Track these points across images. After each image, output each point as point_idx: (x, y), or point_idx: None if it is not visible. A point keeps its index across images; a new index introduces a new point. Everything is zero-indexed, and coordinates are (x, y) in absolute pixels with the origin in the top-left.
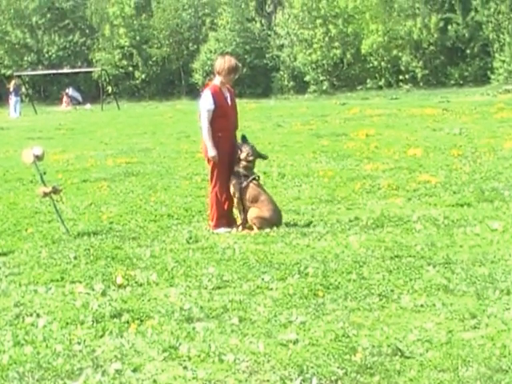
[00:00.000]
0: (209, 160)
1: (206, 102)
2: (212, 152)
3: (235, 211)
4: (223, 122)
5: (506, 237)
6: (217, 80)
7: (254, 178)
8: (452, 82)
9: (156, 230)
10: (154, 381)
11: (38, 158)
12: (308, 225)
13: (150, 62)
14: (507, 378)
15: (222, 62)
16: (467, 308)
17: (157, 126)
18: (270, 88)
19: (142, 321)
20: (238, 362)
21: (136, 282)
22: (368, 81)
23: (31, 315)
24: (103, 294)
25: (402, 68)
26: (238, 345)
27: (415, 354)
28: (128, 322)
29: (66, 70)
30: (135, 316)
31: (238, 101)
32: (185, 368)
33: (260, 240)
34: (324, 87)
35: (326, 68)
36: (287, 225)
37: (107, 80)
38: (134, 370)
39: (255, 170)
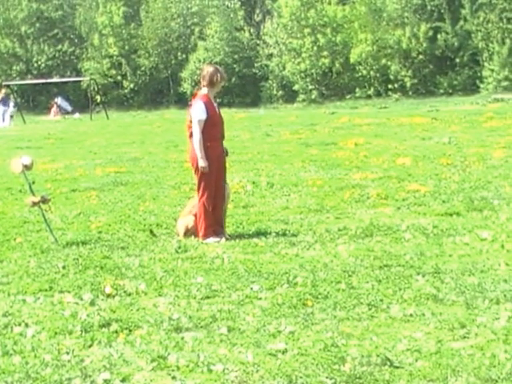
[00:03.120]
0: (196, 170)
1: (199, 111)
2: (203, 162)
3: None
4: (213, 132)
5: (496, 246)
6: (205, 90)
7: None
8: (441, 90)
9: (145, 239)
10: None
11: (27, 167)
12: (297, 234)
13: (139, 72)
14: None
15: (211, 72)
16: (456, 317)
17: (145, 136)
18: (258, 97)
19: (130, 330)
20: (226, 372)
21: (125, 292)
22: (357, 90)
23: (20, 325)
24: (92, 303)
25: (391, 77)
26: (226, 355)
27: (404, 363)
28: (117, 332)
29: (54, 80)
30: (124, 326)
31: (227, 110)
32: (173, 378)
33: (249, 250)
34: (313, 96)
35: (315, 77)
36: (276, 234)
37: (96, 89)
38: (123, 380)
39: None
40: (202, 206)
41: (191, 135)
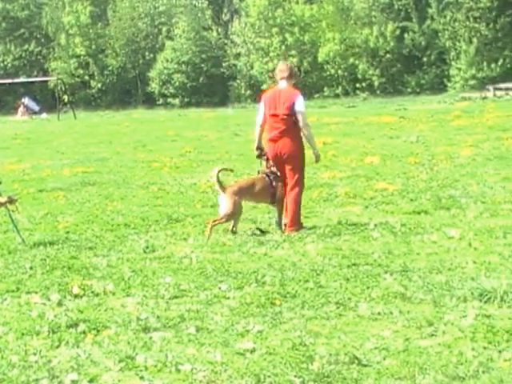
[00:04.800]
0: (295, 161)
1: (304, 104)
2: (318, 151)
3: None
4: None
5: (463, 244)
6: (286, 83)
7: None
8: (409, 89)
9: (113, 239)
10: None
11: None
12: (265, 233)
13: (107, 71)
14: None
15: (291, 67)
16: (424, 316)
17: (113, 136)
18: (227, 97)
19: (98, 331)
20: (195, 372)
21: (92, 292)
22: (325, 89)
23: None
24: (59, 304)
25: (359, 76)
26: (195, 354)
27: (372, 362)
28: (84, 332)
29: (21, 80)
30: (91, 326)
31: (195, 110)
32: (141, 378)
33: (217, 249)
34: None
35: None
36: (244, 233)
37: (63, 89)
38: (91, 381)
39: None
40: (298, 197)
41: (286, 129)
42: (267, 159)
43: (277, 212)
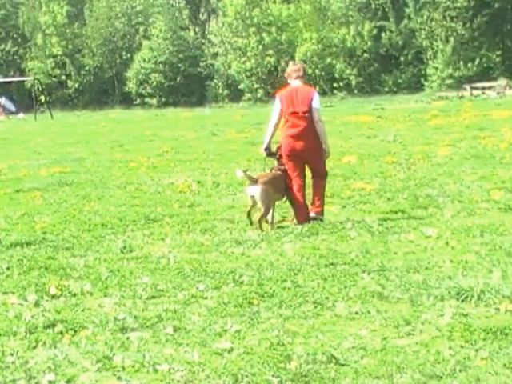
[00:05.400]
0: (318, 156)
1: (319, 101)
2: (329, 147)
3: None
4: None
5: (440, 243)
6: (299, 82)
7: None
8: (386, 89)
9: (90, 239)
10: None
11: None
12: (243, 233)
13: (83, 71)
14: None
15: (304, 67)
16: (402, 315)
17: (90, 136)
18: (204, 96)
19: (75, 331)
20: (172, 372)
21: (70, 293)
22: None
23: None
24: (36, 304)
25: (337, 76)
26: (172, 354)
27: (350, 361)
28: (62, 333)
29: None
30: (69, 326)
31: (172, 109)
32: (119, 378)
33: (194, 249)
34: (259, 95)
35: (261, 76)
36: (222, 233)
37: (40, 89)
38: (68, 381)
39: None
40: (324, 189)
41: (307, 126)
42: (279, 157)
43: (291, 206)
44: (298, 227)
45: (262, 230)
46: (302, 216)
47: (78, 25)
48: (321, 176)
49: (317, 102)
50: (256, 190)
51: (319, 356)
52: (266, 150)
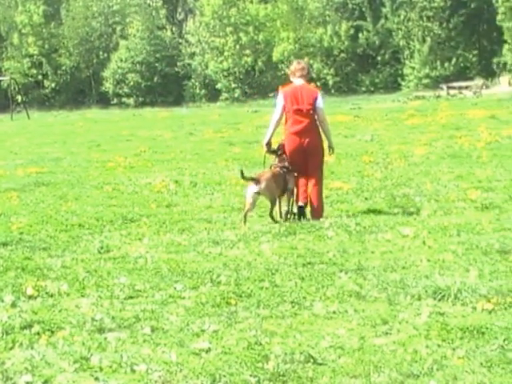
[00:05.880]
0: (320, 154)
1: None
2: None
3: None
4: None
5: (417, 243)
6: (302, 81)
7: None
8: (363, 88)
9: (67, 240)
10: None
11: None
12: (220, 233)
13: (60, 71)
14: (418, 383)
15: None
16: (379, 314)
17: (67, 136)
18: (181, 96)
19: (52, 332)
20: (150, 372)
21: (47, 293)
22: (280, 88)
23: None
24: (13, 305)
25: (314, 75)
26: (150, 355)
27: (327, 360)
28: (39, 334)
29: None
30: (46, 327)
31: (150, 109)
32: (96, 379)
33: (172, 249)
34: (236, 95)
35: (238, 76)
36: (199, 233)
37: (16, 89)
38: (45, 382)
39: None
40: (321, 187)
41: (311, 123)
42: (282, 153)
43: (286, 201)
44: (276, 227)
45: (275, 221)
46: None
47: (55, 24)
48: (318, 171)
49: (321, 101)
50: (260, 187)
51: (297, 355)
52: (267, 145)
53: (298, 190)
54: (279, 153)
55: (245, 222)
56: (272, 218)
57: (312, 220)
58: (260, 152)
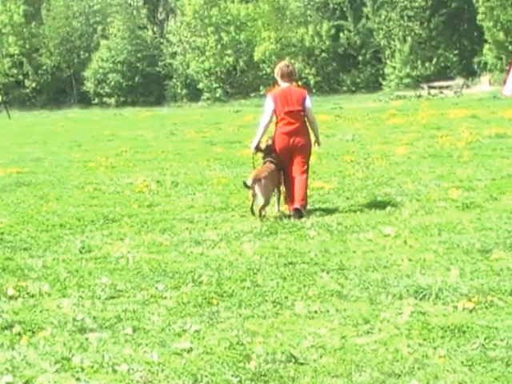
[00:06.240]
0: (309, 151)
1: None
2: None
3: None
4: None
5: (399, 242)
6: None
7: None
8: (344, 88)
9: (48, 240)
10: None
11: None
12: (202, 233)
13: (41, 71)
14: (399, 383)
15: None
16: (360, 313)
17: (48, 135)
18: (163, 96)
19: (33, 332)
20: (131, 373)
21: (28, 293)
22: (261, 88)
23: None
24: None
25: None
26: (131, 355)
27: (309, 360)
28: (20, 334)
29: None
30: (27, 328)
31: (131, 109)
32: (78, 379)
33: (154, 249)
34: (217, 94)
35: (219, 75)
36: (181, 233)
37: None
38: (26, 383)
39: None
40: (307, 181)
41: (301, 124)
42: (271, 152)
43: (276, 196)
44: (257, 226)
45: (261, 217)
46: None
47: (35, 24)
48: (306, 169)
49: (309, 101)
50: (258, 186)
51: (278, 355)
52: (255, 149)
53: (288, 191)
54: (268, 151)
55: (254, 214)
56: (260, 213)
57: (295, 207)
58: (241, 152)
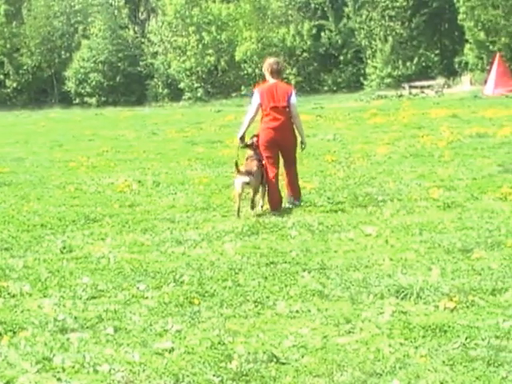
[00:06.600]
0: (294, 147)
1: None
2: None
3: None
4: None
5: (380, 241)
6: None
7: None
8: (326, 88)
9: (29, 240)
10: None
11: None
12: (183, 233)
13: (22, 71)
14: (381, 382)
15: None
16: (342, 313)
17: (29, 135)
18: (144, 96)
19: (14, 332)
20: (113, 373)
21: (9, 294)
22: (242, 88)
23: None
24: None
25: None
26: (113, 355)
27: (291, 359)
28: (0, 334)
29: None
30: (8, 328)
31: (112, 109)
32: (59, 380)
33: (135, 249)
34: (199, 94)
35: (201, 75)
36: (162, 233)
37: None
38: (7, 383)
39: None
40: (296, 174)
41: (286, 119)
42: (256, 147)
43: (261, 193)
44: (239, 226)
45: (253, 208)
46: (275, 204)
47: (16, 24)
48: (294, 164)
49: (294, 98)
50: (248, 179)
51: (260, 355)
52: (240, 139)
53: (269, 188)
54: (253, 146)
55: (238, 214)
56: (253, 203)
57: (290, 200)
58: (223, 152)
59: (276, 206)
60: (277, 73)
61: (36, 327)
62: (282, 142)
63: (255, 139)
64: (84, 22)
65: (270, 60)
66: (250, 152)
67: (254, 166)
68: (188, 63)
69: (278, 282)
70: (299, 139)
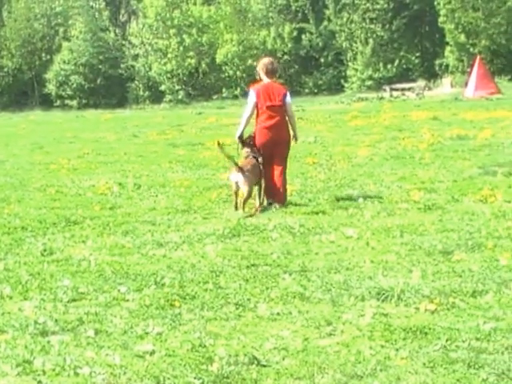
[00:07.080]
0: (287, 145)
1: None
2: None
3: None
4: None
5: (361, 244)
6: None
7: None
8: (306, 90)
9: (10, 242)
10: None
11: None
12: (164, 235)
13: (2, 73)
14: None
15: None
16: (323, 315)
17: (10, 138)
18: (125, 98)
19: None
20: (93, 375)
21: None
22: (224, 90)
23: None
24: None
25: (257, 77)
26: (93, 357)
27: (272, 362)
28: None
29: None
30: None
31: (93, 111)
32: (39, 382)
33: (116, 251)
34: (180, 96)
35: (182, 77)
36: (143, 235)
37: None
38: None
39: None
40: (285, 175)
41: (281, 118)
42: (252, 145)
43: (257, 191)
44: (220, 228)
45: (244, 210)
46: (279, 197)
47: None
48: (285, 162)
49: (289, 97)
50: (240, 178)
51: (241, 357)
52: (239, 138)
53: (267, 185)
54: (251, 143)
55: (237, 208)
56: (243, 205)
57: (275, 204)
58: (204, 154)
59: (280, 198)
60: (271, 72)
61: (16, 330)
62: (277, 141)
63: (252, 137)
64: (65, 25)
65: (265, 60)
66: (246, 150)
67: (249, 164)
68: (169, 65)
69: (259, 284)
70: (292, 134)
